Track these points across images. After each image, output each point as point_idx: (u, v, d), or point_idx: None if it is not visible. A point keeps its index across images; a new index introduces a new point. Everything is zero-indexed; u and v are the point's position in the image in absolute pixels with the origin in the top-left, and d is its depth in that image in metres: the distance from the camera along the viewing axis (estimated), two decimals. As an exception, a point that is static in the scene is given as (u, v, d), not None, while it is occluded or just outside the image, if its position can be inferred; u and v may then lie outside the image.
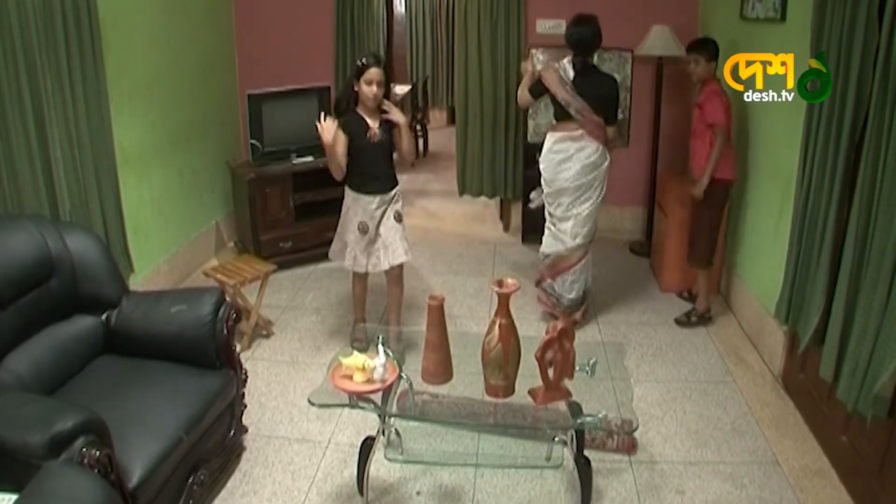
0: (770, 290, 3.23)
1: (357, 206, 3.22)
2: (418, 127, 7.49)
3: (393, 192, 3.25)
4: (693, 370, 3.28)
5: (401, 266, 3.32)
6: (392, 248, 3.21)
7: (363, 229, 3.20)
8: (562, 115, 3.36)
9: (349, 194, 3.26)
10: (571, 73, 3.29)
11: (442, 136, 8.44)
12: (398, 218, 3.26)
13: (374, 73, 3.00)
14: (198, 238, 4.35)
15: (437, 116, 9.12)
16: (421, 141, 7.60)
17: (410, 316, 3.85)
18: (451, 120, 9.14)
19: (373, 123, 3.10)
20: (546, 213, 3.56)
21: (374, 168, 3.17)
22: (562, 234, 3.45)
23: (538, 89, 3.36)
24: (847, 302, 2.36)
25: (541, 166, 3.47)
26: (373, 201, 3.19)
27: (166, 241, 3.95)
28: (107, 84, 3.12)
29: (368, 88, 3.01)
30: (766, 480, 2.54)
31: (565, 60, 3.31)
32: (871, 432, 2.31)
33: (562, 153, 3.34)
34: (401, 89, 7.39)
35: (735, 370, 3.28)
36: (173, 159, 4.01)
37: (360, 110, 3.11)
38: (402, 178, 6.52)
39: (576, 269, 3.50)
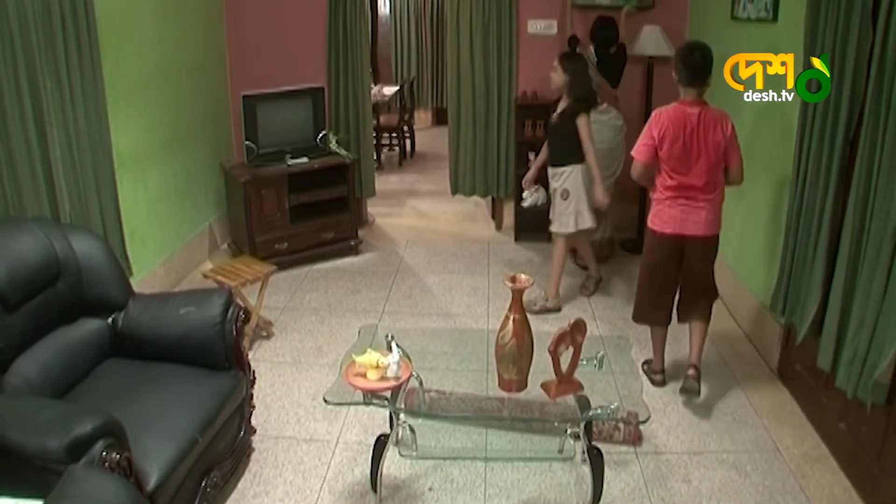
0: (764, 284, 3.32)
1: None
2: (405, 128, 7.51)
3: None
4: (691, 363, 3.34)
5: None
6: None
7: None
8: None
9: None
10: (595, 59, 4.26)
11: (428, 137, 8.47)
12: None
13: None
14: (192, 240, 4.31)
15: (422, 117, 9.14)
16: (408, 142, 7.63)
17: (409, 312, 3.87)
18: (437, 120, 9.17)
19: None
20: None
21: None
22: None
23: (572, 44, 4.36)
24: (844, 292, 2.44)
25: None
26: None
27: (162, 243, 3.91)
28: (104, 85, 3.08)
29: None
30: (768, 468, 2.61)
31: (590, 48, 4.29)
32: (869, 419, 2.38)
33: (596, 123, 3.99)
34: (388, 90, 7.41)
35: (732, 362, 3.35)
36: (167, 161, 3.98)
37: None
38: (391, 179, 6.67)
39: (608, 214, 4.31)
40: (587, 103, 3.64)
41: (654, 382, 3.14)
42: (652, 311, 3.07)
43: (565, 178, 3.74)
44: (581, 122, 3.59)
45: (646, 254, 3.08)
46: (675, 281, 3.01)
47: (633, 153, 2.90)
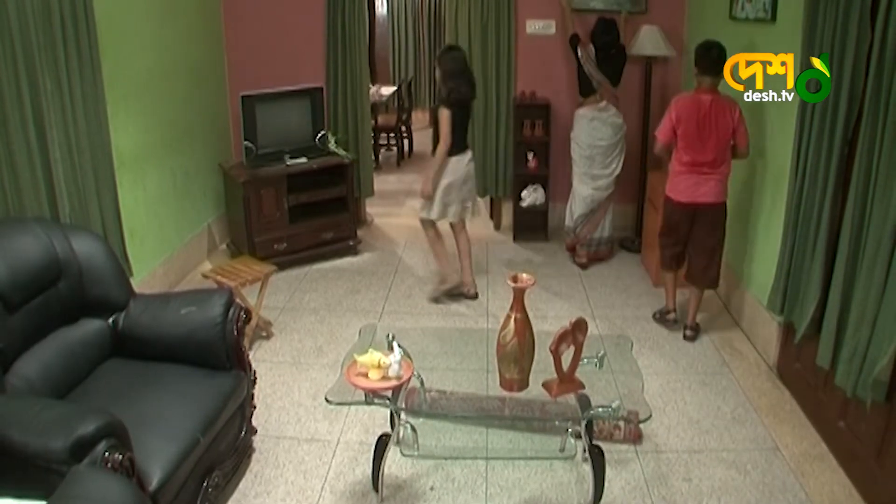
0: (763, 283, 3.33)
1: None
2: (403, 128, 7.51)
3: None
4: (690, 362, 3.36)
5: None
6: None
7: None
8: (587, 92, 4.32)
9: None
10: (595, 58, 4.30)
11: (425, 137, 8.45)
12: None
13: None
14: (191, 241, 4.31)
15: (419, 117, 9.15)
16: (406, 142, 7.63)
17: (409, 312, 3.87)
18: (435, 120, 9.16)
19: None
20: (575, 182, 4.44)
21: None
22: (598, 190, 4.40)
23: (574, 42, 4.33)
24: (844, 290, 2.45)
25: (578, 136, 4.37)
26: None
27: (161, 243, 3.91)
28: (104, 86, 3.08)
29: None
30: (768, 466, 2.62)
31: (590, 47, 4.30)
32: (868, 417, 2.39)
33: (596, 120, 4.30)
34: (386, 90, 7.40)
35: (731, 361, 3.37)
36: (166, 161, 3.98)
37: None
38: (389, 179, 6.66)
39: (607, 213, 4.47)
40: (452, 96, 3.62)
41: (667, 322, 3.63)
42: (668, 260, 3.61)
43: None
44: (440, 113, 3.66)
45: (663, 218, 3.60)
46: (685, 238, 3.51)
47: (655, 133, 3.47)
